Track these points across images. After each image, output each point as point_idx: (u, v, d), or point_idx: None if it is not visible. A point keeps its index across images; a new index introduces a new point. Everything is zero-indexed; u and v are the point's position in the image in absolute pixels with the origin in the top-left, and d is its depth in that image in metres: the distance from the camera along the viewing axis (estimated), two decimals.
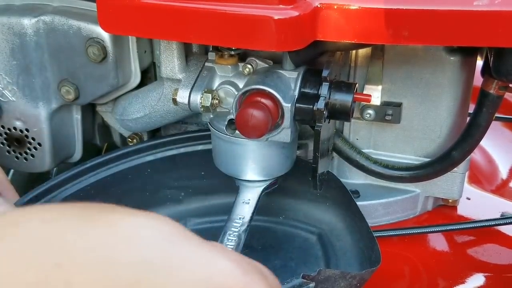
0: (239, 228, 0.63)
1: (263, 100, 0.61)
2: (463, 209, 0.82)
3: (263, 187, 0.68)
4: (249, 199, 0.67)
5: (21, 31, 0.67)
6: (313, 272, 0.53)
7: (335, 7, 0.53)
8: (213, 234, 0.76)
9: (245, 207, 0.66)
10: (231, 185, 0.69)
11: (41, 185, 0.69)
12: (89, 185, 0.72)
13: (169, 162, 0.77)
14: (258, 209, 0.78)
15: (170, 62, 0.68)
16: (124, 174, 0.75)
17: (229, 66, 0.66)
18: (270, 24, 0.52)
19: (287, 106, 0.61)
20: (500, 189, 0.94)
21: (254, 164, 0.67)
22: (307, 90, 0.63)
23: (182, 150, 0.77)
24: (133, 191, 0.76)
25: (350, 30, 0.54)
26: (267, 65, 0.66)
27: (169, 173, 0.78)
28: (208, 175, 0.77)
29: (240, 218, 0.65)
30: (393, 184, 0.78)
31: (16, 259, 0.30)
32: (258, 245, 0.75)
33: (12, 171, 0.89)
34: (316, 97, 0.61)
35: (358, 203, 0.76)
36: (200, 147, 0.77)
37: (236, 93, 0.65)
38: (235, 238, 0.62)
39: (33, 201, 0.67)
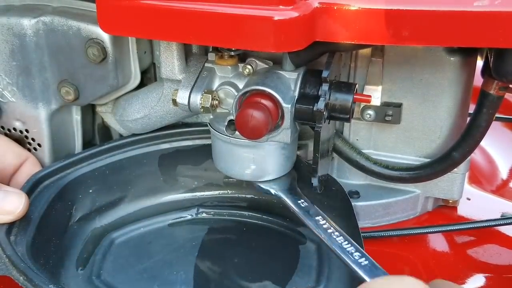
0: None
1: (263, 101, 0.61)
2: (463, 210, 0.82)
3: None
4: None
5: (20, 31, 0.67)
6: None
7: (335, 7, 0.53)
8: (222, 226, 0.78)
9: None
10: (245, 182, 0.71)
11: (58, 162, 0.71)
12: (105, 165, 0.74)
13: (185, 152, 0.78)
14: (265, 209, 0.78)
15: (170, 62, 0.68)
16: (139, 158, 0.76)
17: (229, 67, 0.66)
18: (270, 25, 0.52)
19: (287, 106, 0.61)
20: (500, 190, 0.94)
21: (253, 165, 0.67)
22: (307, 91, 0.63)
23: (197, 141, 0.78)
24: (147, 175, 0.78)
25: (350, 31, 0.54)
26: (267, 66, 0.66)
27: (184, 162, 0.79)
28: None
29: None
30: (393, 184, 0.78)
31: None
32: (257, 245, 0.75)
33: None
34: (316, 98, 0.61)
35: (358, 203, 0.77)
36: None
37: (236, 93, 0.65)
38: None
39: (49, 176, 0.69)
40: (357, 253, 0.58)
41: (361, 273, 0.56)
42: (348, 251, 0.59)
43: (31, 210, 0.63)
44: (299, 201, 0.66)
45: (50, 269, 0.63)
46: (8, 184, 0.69)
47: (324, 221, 0.63)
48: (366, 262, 0.57)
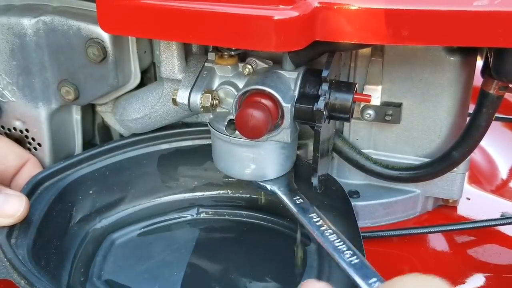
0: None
1: (263, 101, 0.61)
2: (463, 209, 0.82)
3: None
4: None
5: (21, 31, 0.67)
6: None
7: (335, 7, 0.53)
8: (222, 225, 0.78)
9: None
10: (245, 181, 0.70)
11: (57, 163, 0.71)
12: (105, 166, 0.74)
13: (185, 152, 0.78)
14: (266, 209, 0.78)
15: (170, 62, 0.68)
16: (139, 159, 0.76)
17: (229, 67, 0.66)
18: (270, 25, 0.52)
19: (287, 106, 0.61)
20: (500, 189, 0.94)
21: (253, 165, 0.67)
22: (307, 91, 0.63)
23: (197, 142, 0.78)
24: (147, 175, 0.78)
25: (350, 31, 0.54)
26: (267, 66, 0.66)
27: (184, 162, 0.79)
28: None
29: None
30: (393, 184, 0.78)
31: None
32: (258, 245, 0.76)
33: None
34: (316, 98, 0.61)
35: (358, 203, 0.77)
36: None
37: (236, 93, 0.65)
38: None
39: (49, 177, 0.69)
40: (348, 251, 0.59)
41: (350, 271, 0.56)
42: (339, 249, 0.59)
43: (32, 212, 0.63)
44: (294, 198, 0.67)
45: (51, 271, 0.63)
46: (9, 186, 0.69)
47: (318, 218, 0.64)
48: (356, 261, 0.57)
